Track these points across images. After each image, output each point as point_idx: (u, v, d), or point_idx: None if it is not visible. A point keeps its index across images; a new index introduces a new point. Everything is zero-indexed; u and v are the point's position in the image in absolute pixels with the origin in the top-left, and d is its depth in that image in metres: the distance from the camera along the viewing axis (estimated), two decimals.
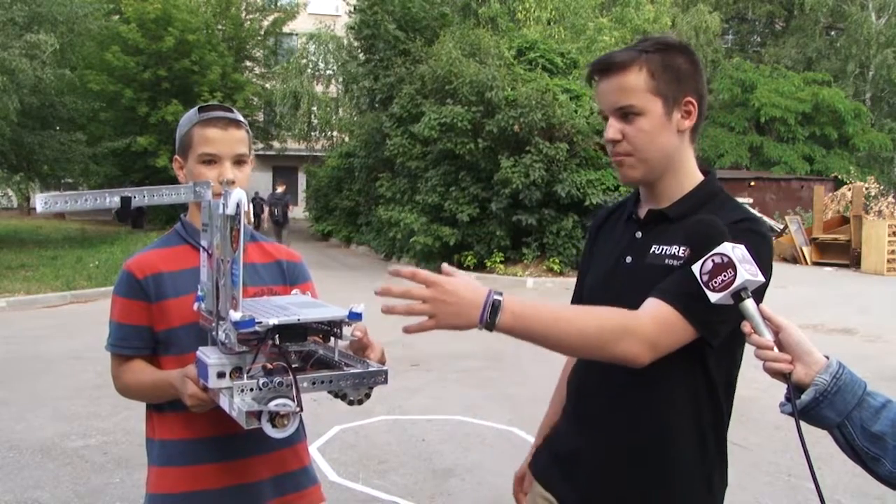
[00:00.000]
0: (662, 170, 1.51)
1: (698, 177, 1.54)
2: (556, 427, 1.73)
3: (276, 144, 29.48)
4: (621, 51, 1.50)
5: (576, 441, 1.61)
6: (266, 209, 17.33)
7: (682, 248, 1.45)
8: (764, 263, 1.33)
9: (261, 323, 1.32)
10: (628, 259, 1.54)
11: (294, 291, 1.72)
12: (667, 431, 1.49)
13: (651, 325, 1.34)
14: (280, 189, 17.68)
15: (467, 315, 1.26)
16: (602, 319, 1.34)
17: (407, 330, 1.28)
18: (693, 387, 1.48)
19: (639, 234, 1.55)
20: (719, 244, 1.28)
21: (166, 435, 1.72)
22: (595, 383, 1.58)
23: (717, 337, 1.40)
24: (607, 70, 1.49)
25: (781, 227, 19.72)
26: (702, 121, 1.52)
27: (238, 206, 1.37)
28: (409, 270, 1.27)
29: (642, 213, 1.57)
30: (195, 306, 1.57)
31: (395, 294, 1.26)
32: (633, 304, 1.41)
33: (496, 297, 1.26)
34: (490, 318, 1.25)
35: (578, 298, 1.73)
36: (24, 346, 7.97)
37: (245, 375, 1.37)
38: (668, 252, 1.47)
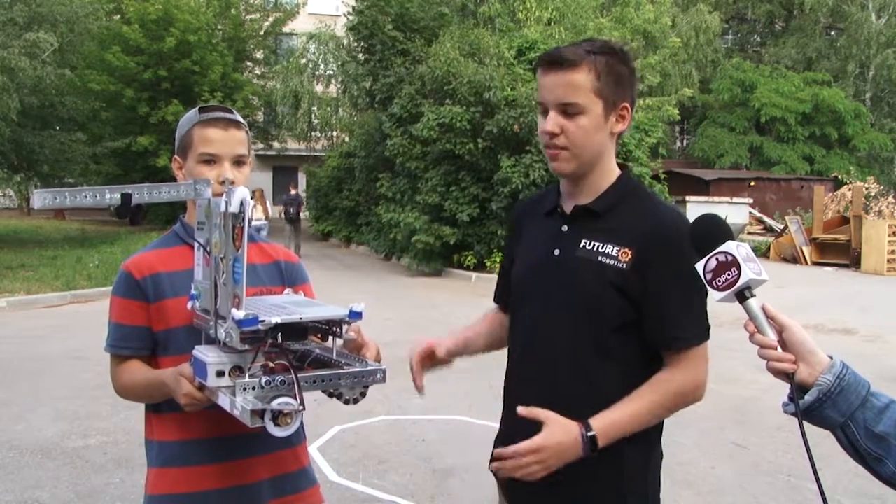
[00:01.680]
0: (591, 166, 1.58)
1: (616, 172, 1.63)
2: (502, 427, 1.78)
3: (276, 144, 29.48)
4: (569, 48, 1.55)
5: (518, 434, 1.66)
6: (282, 208, 19.01)
7: (617, 249, 1.52)
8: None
9: (263, 321, 1.32)
10: (556, 251, 1.60)
11: (286, 291, 1.71)
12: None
13: (700, 370, 1.55)
14: (293, 191, 19.19)
15: (572, 456, 1.48)
16: (667, 400, 1.53)
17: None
18: (634, 378, 1.55)
19: (565, 228, 1.61)
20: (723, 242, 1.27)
21: (164, 436, 1.72)
22: (533, 379, 1.63)
23: None
24: (557, 64, 1.53)
25: (781, 227, 19.72)
26: (629, 128, 1.62)
27: (242, 203, 1.36)
28: (509, 453, 1.49)
29: (567, 207, 1.63)
30: (189, 305, 1.56)
31: (508, 469, 1.50)
32: (563, 294, 1.56)
33: (589, 433, 1.46)
34: (591, 450, 1.47)
35: (505, 291, 1.81)
36: (24, 346, 7.96)
37: (247, 374, 1.37)
38: (601, 249, 1.54)
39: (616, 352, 1.53)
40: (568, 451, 1.46)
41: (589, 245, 1.55)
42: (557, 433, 1.46)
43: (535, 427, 1.60)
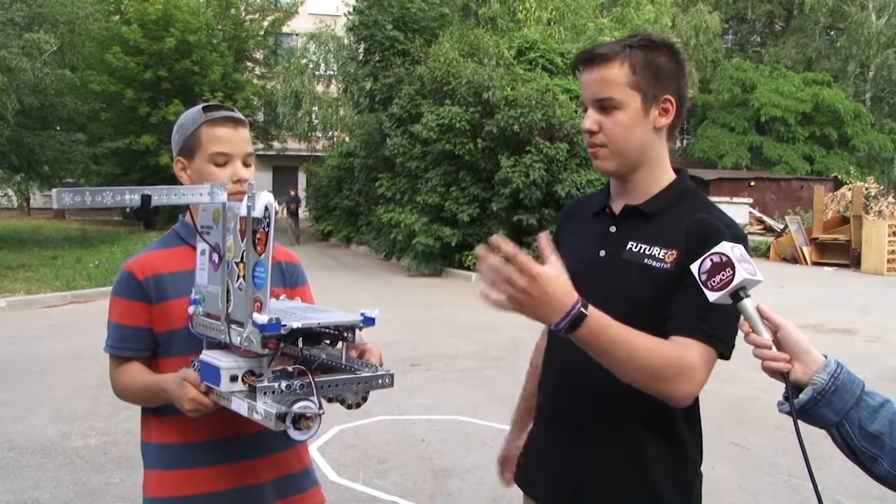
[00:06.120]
0: (636, 164, 1.53)
1: (671, 174, 1.57)
2: (532, 435, 1.76)
3: (276, 144, 29.52)
4: (606, 44, 1.53)
5: (551, 452, 1.64)
6: (284, 205, 22.97)
7: (664, 251, 1.46)
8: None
9: (285, 326, 1.31)
10: (602, 253, 1.54)
11: (282, 297, 1.70)
12: (643, 439, 1.52)
13: (703, 369, 1.38)
14: (292, 192, 24.12)
15: (546, 316, 1.25)
16: (664, 356, 1.34)
17: (486, 299, 1.26)
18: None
19: (613, 229, 1.56)
20: (717, 243, 1.27)
21: (165, 439, 1.70)
22: (568, 397, 1.59)
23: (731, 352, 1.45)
24: (591, 61, 1.50)
25: (781, 227, 19.72)
26: (680, 121, 1.54)
27: (267, 208, 1.35)
28: (510, 251, 1.21)
29: (616, 207, 1.57)
30: (190, 309, 1.54)
31: (491, 265, 1.22)
32: (606, 298, 1.39)
33: (582, 310, 1.25)
34: (567, 327, 1.26)
35: None
36: (24, 346, 7.97)
37: (266, 378, 1.36)
38: (647, 251, 1.48)
39: None
40: (547, 304, 1.23)
41: (636, 248, 1.49)
42: (555, 282, 1.23)
43: (563, 444, 1.58)
